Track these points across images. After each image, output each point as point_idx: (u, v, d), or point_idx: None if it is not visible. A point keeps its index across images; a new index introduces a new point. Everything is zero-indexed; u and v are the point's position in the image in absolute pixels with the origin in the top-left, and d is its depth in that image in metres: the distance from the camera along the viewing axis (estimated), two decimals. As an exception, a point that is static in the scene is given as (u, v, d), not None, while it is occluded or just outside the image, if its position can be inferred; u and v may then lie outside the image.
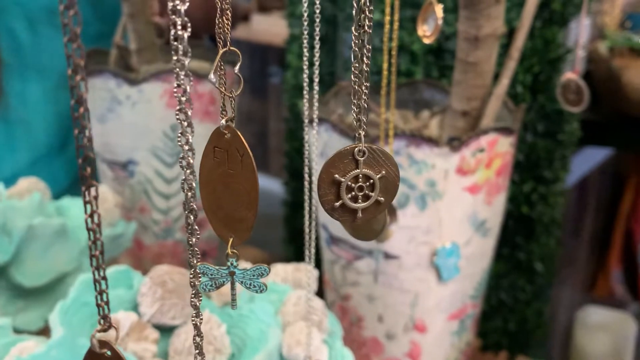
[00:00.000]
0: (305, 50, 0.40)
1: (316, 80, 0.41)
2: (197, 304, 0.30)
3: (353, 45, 0.29)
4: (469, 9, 0.58)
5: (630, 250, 1.46)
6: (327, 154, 0.64)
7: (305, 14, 0.39)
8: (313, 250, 0.47)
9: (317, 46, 0.41)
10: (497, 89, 0.62)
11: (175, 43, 0.25)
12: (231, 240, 0.31)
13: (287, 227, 0.99)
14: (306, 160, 0.47)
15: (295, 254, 0.98)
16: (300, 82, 0.87)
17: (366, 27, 0.29)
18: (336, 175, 0.30)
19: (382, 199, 0.31)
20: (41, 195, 0.71)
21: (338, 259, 0.68)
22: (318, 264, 0.71)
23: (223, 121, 0.30)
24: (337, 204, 0.31)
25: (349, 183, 0.30)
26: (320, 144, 0.65)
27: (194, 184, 0.27)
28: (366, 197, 0.31)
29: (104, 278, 0.29)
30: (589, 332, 1.02)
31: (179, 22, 0.24)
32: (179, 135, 0.27)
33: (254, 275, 0.32)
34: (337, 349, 0.57)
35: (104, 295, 0.29)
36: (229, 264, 0.32)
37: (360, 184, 0.31)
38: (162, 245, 0.85)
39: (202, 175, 0.31)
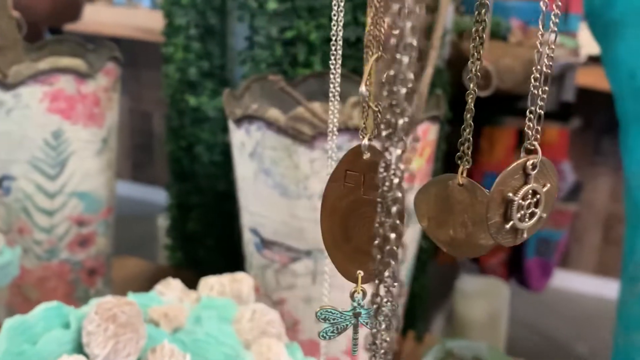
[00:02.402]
0: (333, 48, 0.37)
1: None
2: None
3: (538, 45, 0.27)
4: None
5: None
6: (260, 154, 0.60)
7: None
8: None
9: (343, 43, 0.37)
10: (423, 78, 0.62)
11: (399, 56, 0.21)
12: (360, 276, 0.28)
13: (173, 234, 0.93)
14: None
15: (187, 261, 0.92)
16: (187, 77, 0.81)
17: (552, 25, 0.27)
18: (510, 194, 0.28)
19: (544, 215, 0.29)
20: None
21: (271, 263, 0.65)
22: (240, 271, 0.67)
23: (365, 140, 0.26)
24: (508, 226, 0.28)
25: (520, 201, 0.28)
26: (251, 144, 0.61)
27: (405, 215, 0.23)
28: (532, 215, 0.29)
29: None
30: (467, 300, 1.09)
31: (407, 27, 0.20)
32: (383, 167, 0.22)
33: None
34: (302, 359, 0.55)
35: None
36: (355, 304, 0.28)
37: (529, 200, 0.28)
38: (47, 268, 0.75)
39: (326, 205, 0.27)
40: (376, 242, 0.24)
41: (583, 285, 2.19)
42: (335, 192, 0.27)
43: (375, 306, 0.25)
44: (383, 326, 0.25)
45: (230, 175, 0.86)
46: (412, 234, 0.65)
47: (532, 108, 0.27)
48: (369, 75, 0.29)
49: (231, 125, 0.64)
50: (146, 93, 2.42)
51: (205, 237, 0.89)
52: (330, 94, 0.38)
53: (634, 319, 0.58)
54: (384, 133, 0.22)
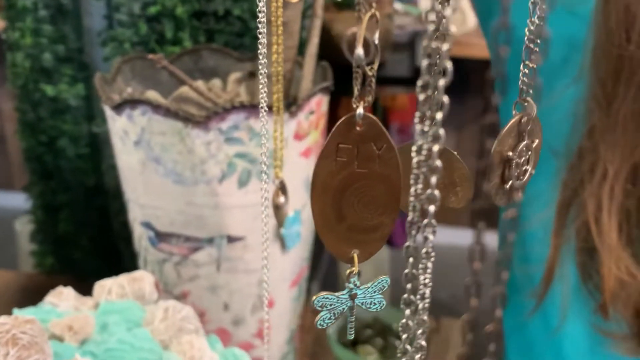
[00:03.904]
0: (259, 24, 0.34)
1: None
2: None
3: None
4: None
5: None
6: (148, 141, 0.56)
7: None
8: (266, 253, 0.41)
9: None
10: (309, 49, 0.61)
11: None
12: (356, 256, 0.26)
13: (40, 237, 0.85)
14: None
15: (60, 266, 0.85)
16: (41, 63, 0.74)
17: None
18: (509, 153, 0.26)
19: (533, 171, 0.28)
20: None
21: (169, 256, 0.61)
22: (131, 270, 0.62)
23: (360, 110, 0.23)
24: (508, 185, 0.27)
25: (517, 160, 0.27)
26: (135, 131, 0.56)
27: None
28: (524, 172, 0.28)
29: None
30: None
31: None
32: (419, 134, 0.20)
33: (374, 291, 0.27)
34: (222, 350, 0.52)
35: None
36: (350, 285, 0.26)
37: (524, 157, 0.27)
38: None
39: (316, 184, 0.24)
40: (410, 217, 0.22)
41: (441, 237, 2.31)
42: (326, 169, 0.24)
43: (409, 286, 0.23)
44: (421, 305, 0.23)
45: (100, 168, 0.80)
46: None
47: (527, 62, 0.27)
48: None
49: (109, 112, 0.59)
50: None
51: (78, 237, 0.82)
52: (260, 75, 0.35)
53: (525, 254, 0.62)
54: (421, 97, 0.20)
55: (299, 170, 0.60)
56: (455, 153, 0.29)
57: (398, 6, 1.31)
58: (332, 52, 1.23)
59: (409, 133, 1.66)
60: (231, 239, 0.59)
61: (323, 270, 1.19)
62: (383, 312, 0.81)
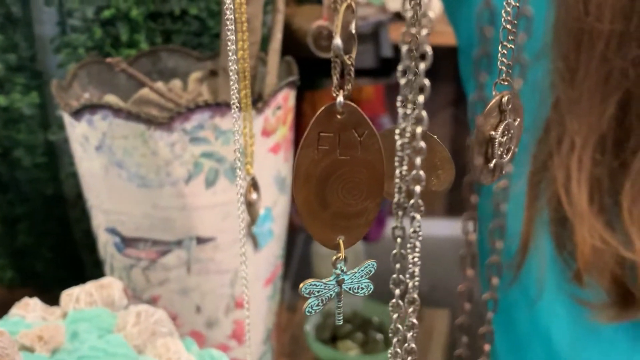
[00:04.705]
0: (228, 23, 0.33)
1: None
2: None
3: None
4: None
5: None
6: (110, 146, 0.54)
7: None
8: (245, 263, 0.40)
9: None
10: (273, 44, 0.60)
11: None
12: (342, 242, 0.25)
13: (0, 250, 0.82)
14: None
15: (22, 278, 0.82)
16: (-5, 72, 0.71)
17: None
18: (492, 132, 0.26)
19: (516, 149, 0.28)
20: None
21: (137, 261, 0.59)
22: (95, 279, 0.60)
23: (340, 98, 0.23)
24: (491, 164, 0.27)
25: (500, 139, 0.27)
26: (96, 136, 0.55)
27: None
28: (508, 151, 0.27)
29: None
30: (324, 260, 1.10)
31: None
32: (402, 116, 0.20)
33: (361, 276, 0.27)
34: (199, 352, 0.51)
35: None
36: (337, 271, 0.26)
37: (506, 136, 0.27)
38: None
39: (299, 173, 0.24)
40: (395, 199, 0.22)
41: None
42: (308, 158, 0.24)
43: (398, 265, 0.23)
44: (410, 284, 0.23)
45: (59, 177, 0.78)
46: (285, 204, 0.64)
47: (505, 43, 0.27)
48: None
49: (67, 119, 0.57)
50: None
51: (39, 249, 0.80)
52: (230, 71, 0.35)
53: None
54: (402, 81, 0.20)
55: (268, 167, 0.59)
56: (435, 137, 0.29)
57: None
58: (293, 46, 1.23)
59: (377, 124, 1.66)
60: (201, 240, 0.58)
61: (295, 268, 1.18)
62: (362, 306, 0.80)
